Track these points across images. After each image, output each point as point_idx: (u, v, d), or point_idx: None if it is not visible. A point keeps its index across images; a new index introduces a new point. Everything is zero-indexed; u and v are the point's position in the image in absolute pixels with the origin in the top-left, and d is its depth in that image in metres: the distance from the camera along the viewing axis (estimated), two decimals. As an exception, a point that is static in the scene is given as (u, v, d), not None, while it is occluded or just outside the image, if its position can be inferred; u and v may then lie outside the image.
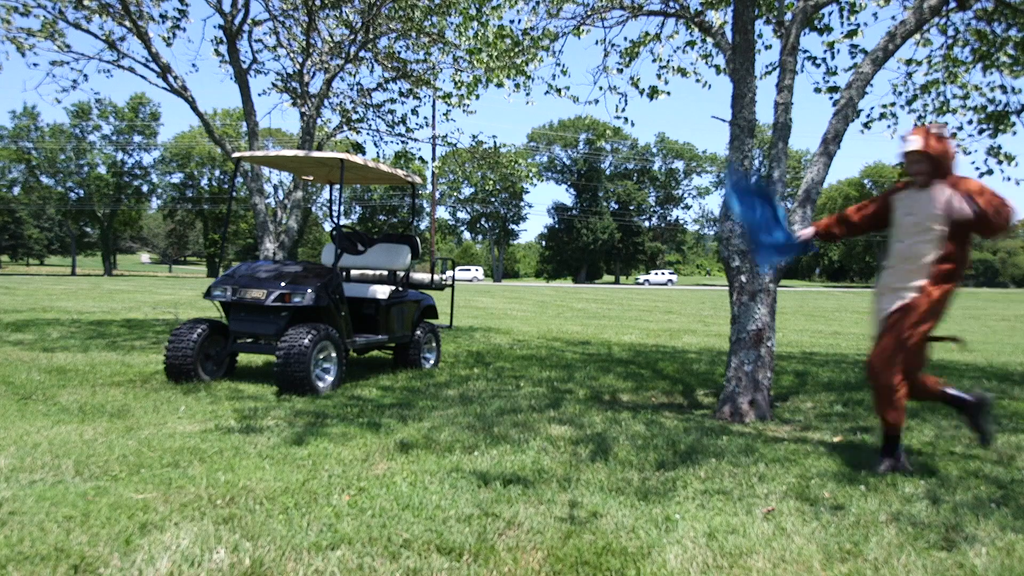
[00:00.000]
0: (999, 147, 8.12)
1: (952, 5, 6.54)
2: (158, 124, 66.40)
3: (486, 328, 13.48)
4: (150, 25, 9.77)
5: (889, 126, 8.76)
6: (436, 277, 8.14)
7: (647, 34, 8.16)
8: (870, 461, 4.05)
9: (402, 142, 11.72)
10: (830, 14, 7.78)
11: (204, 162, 66.37)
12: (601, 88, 8.38)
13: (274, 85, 10.78)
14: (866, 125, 8.69)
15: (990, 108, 8.10)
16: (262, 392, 5.83)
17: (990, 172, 8.21)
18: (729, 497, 3.37)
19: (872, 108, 8.64)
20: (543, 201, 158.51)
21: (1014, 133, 9.61)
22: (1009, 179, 8.49)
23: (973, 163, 8.90)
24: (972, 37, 7.61)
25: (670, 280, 76.88)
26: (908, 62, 8.18)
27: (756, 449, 4.30)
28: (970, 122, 8.22)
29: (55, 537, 2.62)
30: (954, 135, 8.31)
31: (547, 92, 8.68)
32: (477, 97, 10.30)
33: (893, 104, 8.55)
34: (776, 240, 4.30)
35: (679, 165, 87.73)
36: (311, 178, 8.17)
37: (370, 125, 11.50)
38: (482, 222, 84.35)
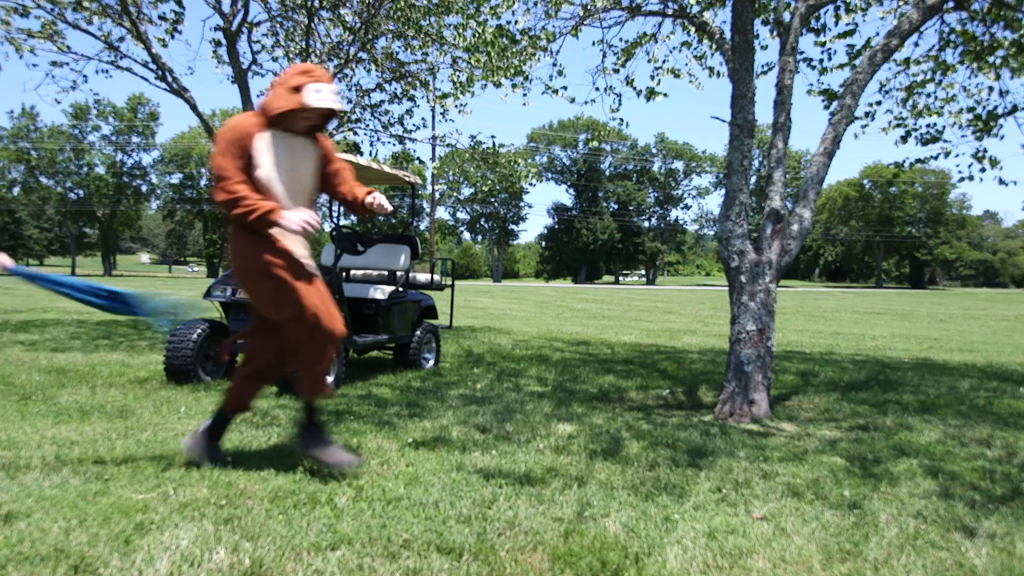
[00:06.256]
0: (984, 150, 8.05)
1: (950, 4, 6.55)
2: (157, 124, 66.46)
3: (486, 328, 13.48)
4: (149, 27, 9.77)
5: (863, 125, 8.73)
6: (436, 278, 8.13)
7: (644, 34, 8.13)
8: (869, 460, 4.05)
9: (399, 142, 11.73)
10: (825, 13, 7.76)
11: (203, 162, 66.44)
12: (598, 89, 8.33)
13: (274, 86, 10.76)
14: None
15: (978, 110, 8.05)
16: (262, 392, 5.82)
17: (983, 171, 8.17)
18: (729, 497, 3.37)
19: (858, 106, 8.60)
20: (543, 201, 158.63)
21: (1001, 137, 9.52)
22: (1002, 182, 8.36)
23: (971, 165, 8.75)
24: (962, 40, 7.58)
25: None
26: (905, 62, 8.15)
27: (756, 449, 4.30)
28: (954, 125, 8.15)
29: (55, 537, 2.61)
30: (940, 135, 8.25)
31: (544, 92, 8.67)
32: (472, 95, 10.28)
33: (879, 103, 8.51)
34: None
35: (679, 165, 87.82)
36: (311, 178, 8.14)
37: (367, 125, 11.51)
38: (482, 222, 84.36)
